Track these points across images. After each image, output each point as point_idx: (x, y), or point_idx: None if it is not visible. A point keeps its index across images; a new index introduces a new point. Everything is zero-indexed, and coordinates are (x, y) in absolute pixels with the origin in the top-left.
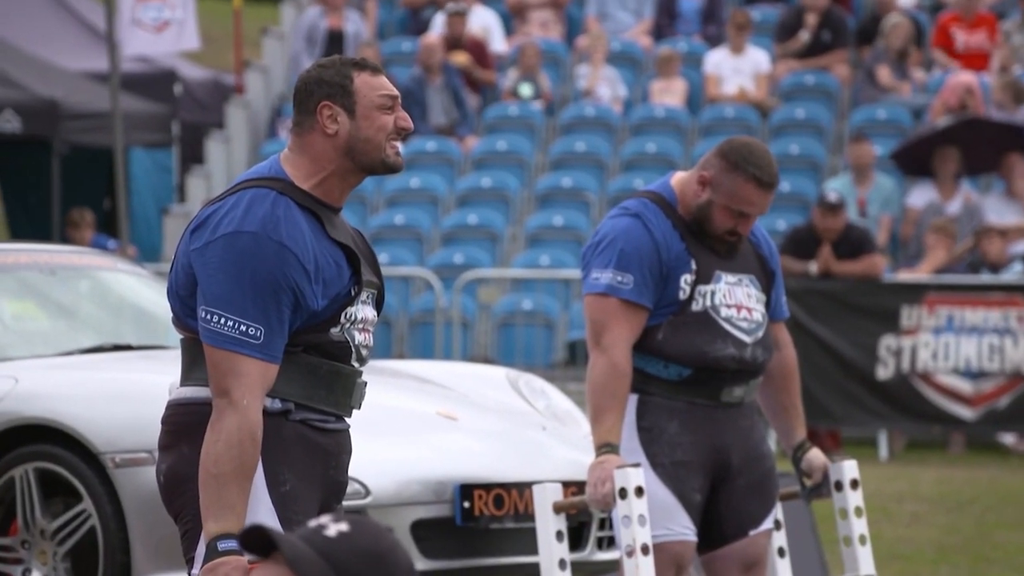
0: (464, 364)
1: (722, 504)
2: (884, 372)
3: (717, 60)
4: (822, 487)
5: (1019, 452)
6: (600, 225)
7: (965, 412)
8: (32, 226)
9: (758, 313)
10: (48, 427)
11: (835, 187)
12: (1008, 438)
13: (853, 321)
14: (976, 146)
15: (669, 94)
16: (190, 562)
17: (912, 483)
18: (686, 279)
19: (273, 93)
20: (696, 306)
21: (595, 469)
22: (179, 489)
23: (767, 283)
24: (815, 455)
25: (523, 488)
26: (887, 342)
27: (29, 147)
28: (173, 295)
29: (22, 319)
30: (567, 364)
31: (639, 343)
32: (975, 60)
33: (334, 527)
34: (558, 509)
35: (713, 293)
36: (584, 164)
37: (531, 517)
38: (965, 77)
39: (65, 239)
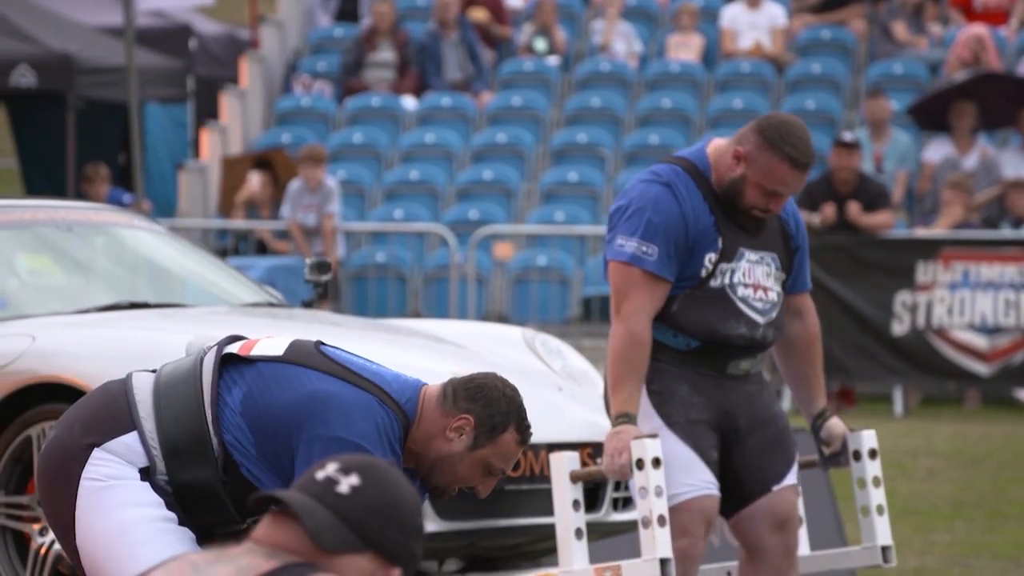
0: (480, 323)
1: (737, 465)
2: (899, 328)
3: (733, 15)
4: (840, 456)
5: None
6: (629, 187)
7: (980, 368)
8: (47, 180)
9: (774, 293)
10: (65, 386)
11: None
12: (1023, 394)
13: (868, 277)
14: (993, 101)
15: (685, 49)
16: (69, 555)
17: (927, 439)
18: (710, 257)
19: (288, 48)
20: (715, 282)
21: (612, 439)
22: (49, 474)
23: (788, 261)
24: (835, 424)
25: (539, 450)
26: (902, 298)
27: (44, 102)
28: (254, 412)
29: (39, 275)
30: (582, 320)
31: None
32: (994, 17)
33: (345, 482)
34: (575, 478)
35: (733, 271)
36: (599, 119)
37: (546, 478)
38: (976, 29)
39: (80, 194)
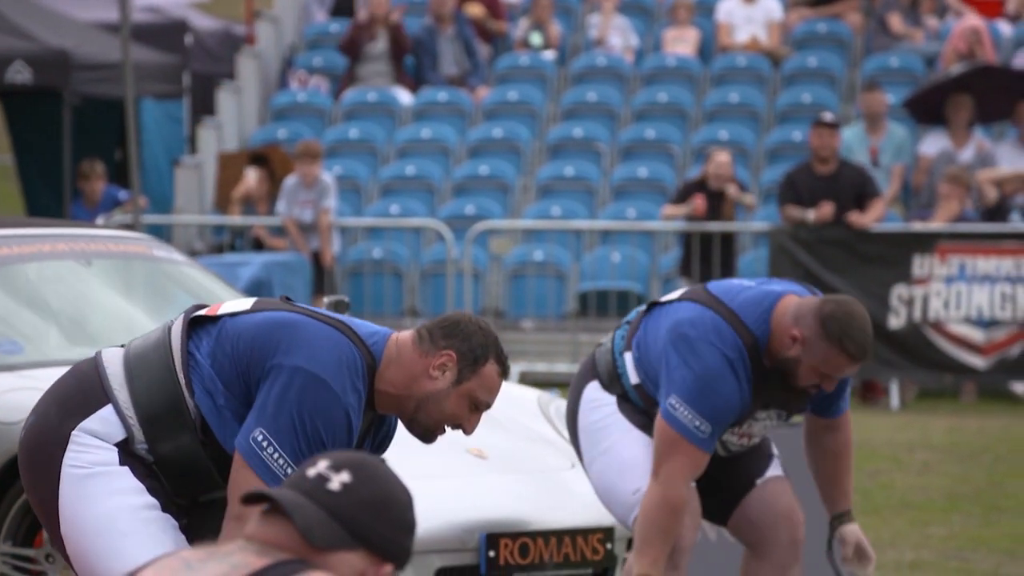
0: None
1: (715, 473)
2: (896, 321)
3: (729, 8)
4: (849, 561)
5: None
6: (696, 334)
7: (977, 361)
8: (43, 177)
9: (758, 437)
10: None
11: (848, 136)
12: (1020, 387)
13: (865, 270)
14: (989, 94)
15: (682, 43)
16: (53, 542)
17: (923, 432)
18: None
19: (284, 43)
20: None
21: None
22: (29, 461)
23: (791, 413)
24: (851, 531)
25: (548, 536)
26: (899, 291)
27: (40, 98)
28: (211, 341)
29: (59, 317)
30: (578, 315)
31: (638, 388)
32: (989, 7)
33: (336, 479)
34: None
35: (732, 430)
36: (595, 114)
37: (556, 564)
38: (972, 21)
39: (76, 190)
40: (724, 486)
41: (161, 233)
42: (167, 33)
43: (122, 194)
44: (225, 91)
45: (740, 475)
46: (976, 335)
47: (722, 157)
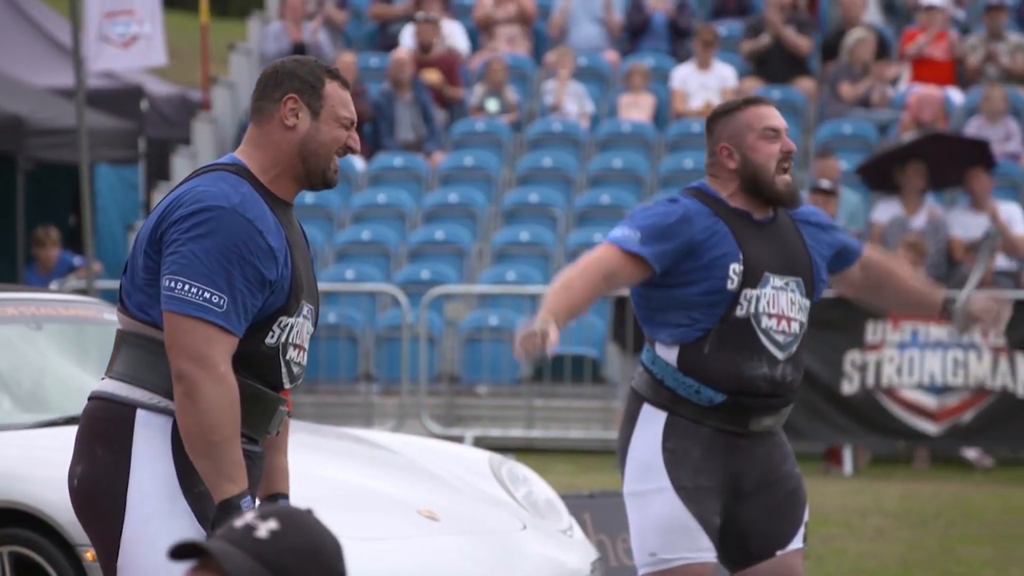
0: (448, 444)
1: (741, 524)
2: (849, 387)
3: (684, 75)
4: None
5: (983, 467)
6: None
7: (929, 427)
8: None
9: (796, 324)
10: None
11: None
12: (972, 453)
13: (818, 336)
14: (941, 161)
15: (636, 109)
16: (112, 572)
17: (877, 498)
18: (735, 268)
19: (240, 109)
20: (740, 311)
21: (526, 324)
22: (92, 502)
23: (810, 285)
24: (971, 301)
25: None
26: (852, 357)
27: None
28: (132, 288)
29: (8, 382)
30: (533, 380)
31: (680, 359)
32: (940, 74)
33: (264, 527)
34: None
35: (758, 299)
36: (551, 179)
37: None
38: (926, 90)
39: (30, 256)
40: (747, 544)
41: (116, 299)
42: (122, 99)
43: (76, 260)
44: (181, 156)
45: (766, 541)
46: (929, 401)
47: None
